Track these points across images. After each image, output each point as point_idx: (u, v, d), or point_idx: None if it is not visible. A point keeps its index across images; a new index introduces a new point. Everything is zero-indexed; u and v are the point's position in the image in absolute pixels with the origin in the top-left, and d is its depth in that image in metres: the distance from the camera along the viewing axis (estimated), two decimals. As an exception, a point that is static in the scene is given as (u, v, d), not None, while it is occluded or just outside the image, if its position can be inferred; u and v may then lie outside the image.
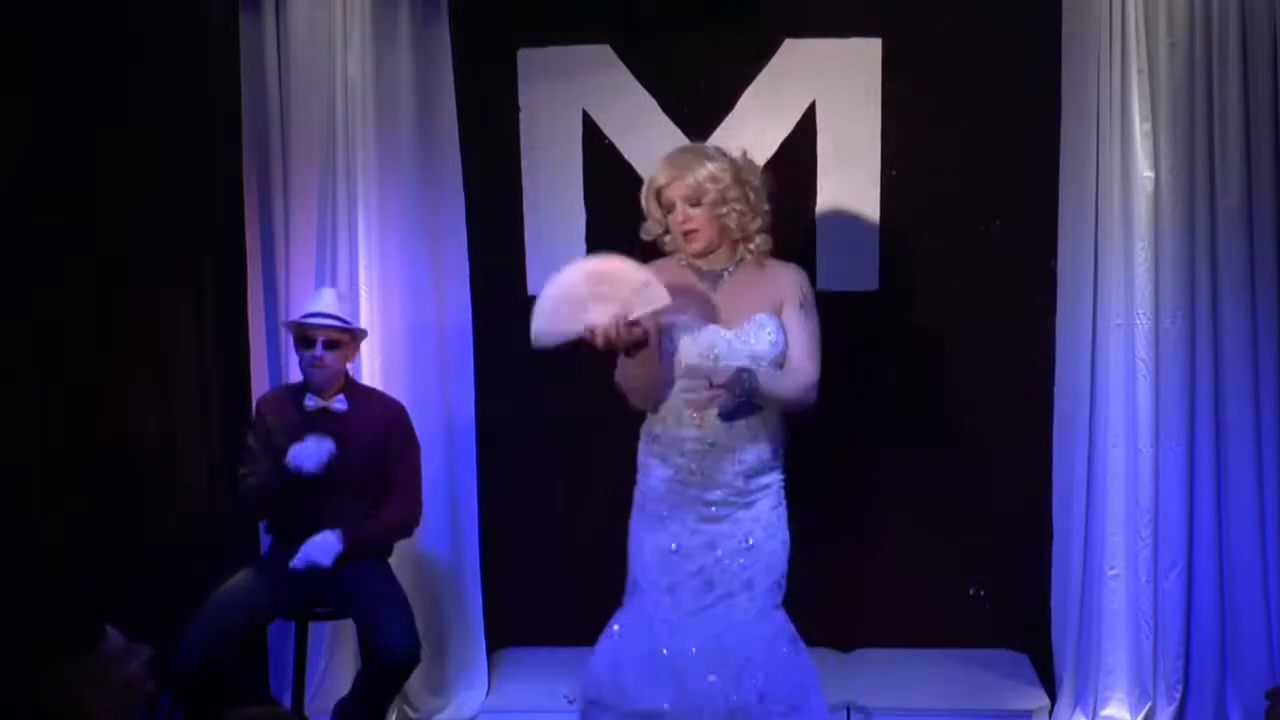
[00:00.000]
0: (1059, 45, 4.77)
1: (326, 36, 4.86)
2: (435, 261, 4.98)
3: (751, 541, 3.84)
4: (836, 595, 5.16)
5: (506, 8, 5.12)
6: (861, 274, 5.08)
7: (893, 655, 5.10)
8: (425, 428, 4.68)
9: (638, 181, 5.10)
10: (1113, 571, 4.69)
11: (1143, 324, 4.62)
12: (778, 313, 3.84)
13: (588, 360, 5.20)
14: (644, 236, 3.92)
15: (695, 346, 3.77)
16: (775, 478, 3.90)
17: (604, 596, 5.25)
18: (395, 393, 4.66)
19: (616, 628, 3.94)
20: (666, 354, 3.79)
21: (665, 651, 3.80)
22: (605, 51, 5.11)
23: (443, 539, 4.95)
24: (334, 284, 4.81)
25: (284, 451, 4.30)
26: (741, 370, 3.68)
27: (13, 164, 4.59)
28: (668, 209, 3.82)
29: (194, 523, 4.90)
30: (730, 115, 5.08)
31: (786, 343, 3.83)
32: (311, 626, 4.60)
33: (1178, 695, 4.66)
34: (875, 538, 5.16)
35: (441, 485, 4.90)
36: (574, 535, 5.26)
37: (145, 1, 4.81)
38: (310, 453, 4.25)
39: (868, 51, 5.02)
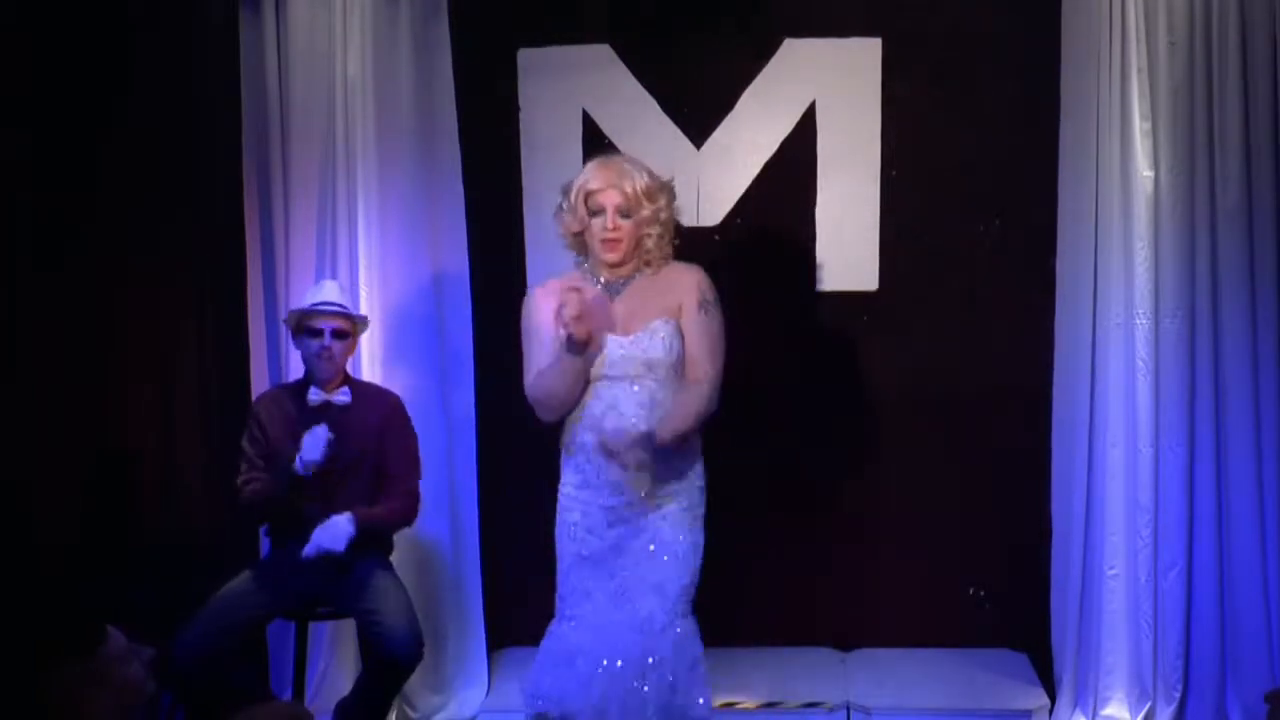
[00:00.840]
0: (1059, 45, 4.77)
1: (326, 36, 4.86)
2: (435, 261, 4.98)
3: (653, 547, 3.84)
4: (836, 595, 5.17)
5: (506, 8, 5.13)
6: (861, 274, 5.08)
7: (893, 655, 5.10)
8: (425, 427, 4.68)
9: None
10: (1113, 571, 4.69)
11: (1143, 324, 4.62)
12: (676, 316, 3.85)
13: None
14: (564, 234, 3.92)
15: (596, 355, 3.80)
16: (686, 484, 3.88)
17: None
18: (395, 391, 4.65)
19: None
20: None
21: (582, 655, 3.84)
22: (605, 51, 5.12)
23: (443, 539, 4.95)
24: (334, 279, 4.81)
25: (286, 455, 4.31)
26: (640, 437, 3.75)
27: (13, 164, 4.59)
28: (594, 212, 3.82)
29: (193, 523, 4.90)
30: (730, 115, 5.09)
31: (682, 346, 3.84)
32: (311, 626, 4.60)
33: (1178, 695, 4.66)
34: (875, 538, 5.16)
35: (441, 485, 4.90)
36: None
37: (145, 1, 4.81)
38: (312, 445, 4.26)
39: (868, 51, 5.03)
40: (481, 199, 5.08)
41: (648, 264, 3.88)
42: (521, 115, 5.17)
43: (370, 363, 4.87)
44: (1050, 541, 4.87)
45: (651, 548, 3.83)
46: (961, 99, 5.00)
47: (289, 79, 4.89)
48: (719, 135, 5.10)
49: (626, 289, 3.88)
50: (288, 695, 4.62)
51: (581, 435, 3.86)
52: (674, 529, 3.84)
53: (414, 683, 4.62)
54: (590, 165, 3.90)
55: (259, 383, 4.94)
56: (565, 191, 3.89)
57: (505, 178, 5.17)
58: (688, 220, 5.05)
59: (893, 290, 5.08)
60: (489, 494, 5.09)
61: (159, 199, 4.86)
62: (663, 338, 3.81)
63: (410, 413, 4.55)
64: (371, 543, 4.40)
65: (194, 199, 4.91)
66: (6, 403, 4.56)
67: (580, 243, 3.91)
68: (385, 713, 4.50)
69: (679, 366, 3.84)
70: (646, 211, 3.81)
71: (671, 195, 3.89)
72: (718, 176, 5.11)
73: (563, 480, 3.95)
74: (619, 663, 3.76)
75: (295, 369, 4.70)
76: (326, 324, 4.40)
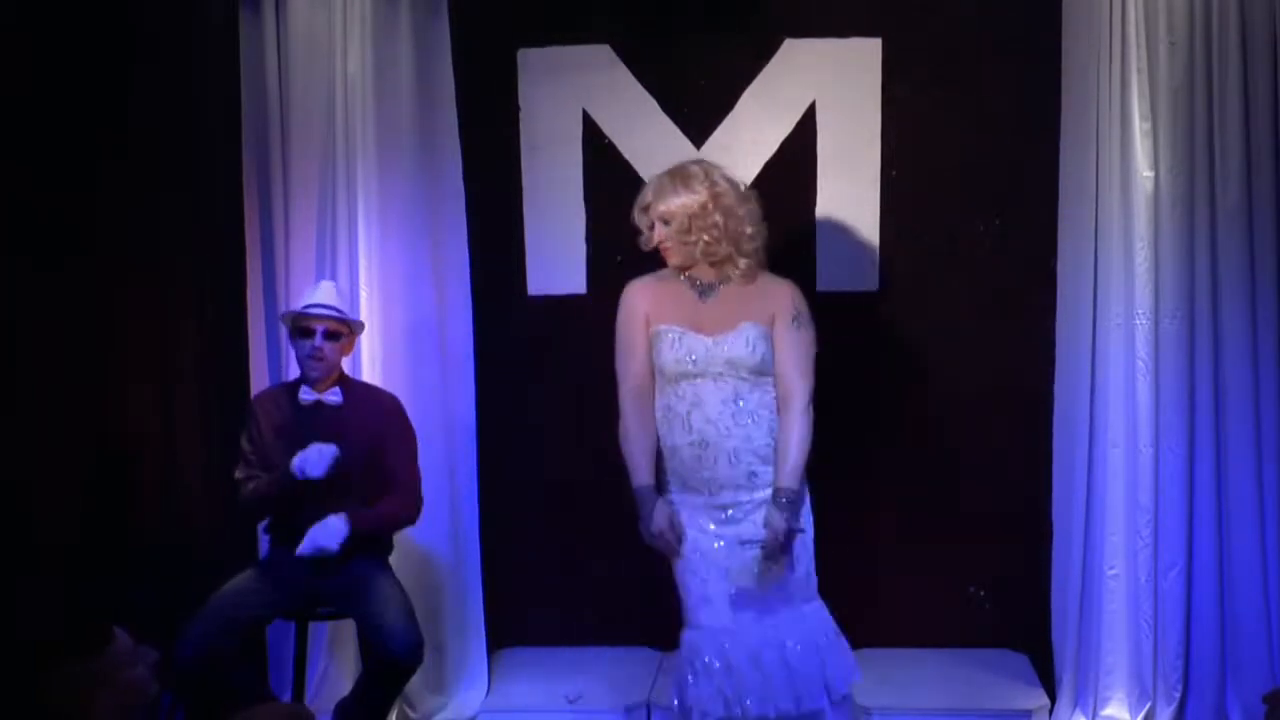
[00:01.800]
0: (1059, 45, 4.77)
1: (326, 36, 4.86)
2: (435, 261, 4.97)
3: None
4: (836, 595, 5.16)
5: (506, 8, 5.13)
6: (861, 274, 5.08)
7: (893, 655, 5.09)
8: (425, 427, 4.68)
9: (638, 181, 5.11)
10: (1113, 571, 4.69)
11: (1143, 324, 4.62)
12: (769, 325, 3.98)
13: (587, 361, 5.23)
14: (643, 248, 4.09)
15: (673, 352, 3.93)
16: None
17: (603, 597, 5.28)
18: (395, 392, 4.65)
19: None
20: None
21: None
22: (605, 51, 5.11)
23: (443, 539, 4.95)
24: (334, 281, 4.81)
25: (280, 452, 4.31)
26: (774, 497, 3.92)
27: (13, 164, 4.58)
28: (652, 224, 4.02)
29: (193, 523, 4.90)
30: (730, 115, 5.08)
31: (769, 351, 3.96)
32: (311, 626, 4.60)
33: (1178, 695, 4.66)
34: (875, 538, 5.16)
35: (441, 485, 4.90)
36: (574, 535, 5.26)
37: (145, 1, 4.81)
38: (316, 459, 4.26)
39: (868, 51, 5.03)
40: (481, 199, 5.08)
41: (733, 272, 3.99)
42: (521, 115, 5.17)
43: (370, 363, 4.86)
44: (1050, 541, 4.87)
45: (751, 534, 3.94)
46: (961, 99, 5.00)
47: (289, 79, 4.89)
48: (719, 135, 5.09)
49: (718, 292, 4.01)
50: (288, 695, 4.62)
51: (671, 439, 3.97)
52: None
53: (414, 683, 4.62)
54: (654, 178, 4.10)
55: (259, 382, 4.94)
56: (635, 212, 4.11)
57: (505, 178, 5.16)
58: (688, 220, 5.08)
59: (893, 290, 5.08)
60: (489, 494, 5.09)
61: (159, 199, 4.85)
62: (745, 336, 3.93)
63: (410, 413, 4.55)
64: (369, 543, 4.40)
65: (194, 199, 4.91)
66: (7, 403, 4.55)
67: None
68: (386, 713, 4.50)
69: (763, 368, 3.97)
70: (680, 222, 3.96)
71: (717, 198, 3.98)
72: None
73: (667, 485, 4.04)
74: (759, 658, 3.88)
75: (295, 369, 4.70)
76: (319, 325, 4.39)
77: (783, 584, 3.94)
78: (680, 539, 3.92)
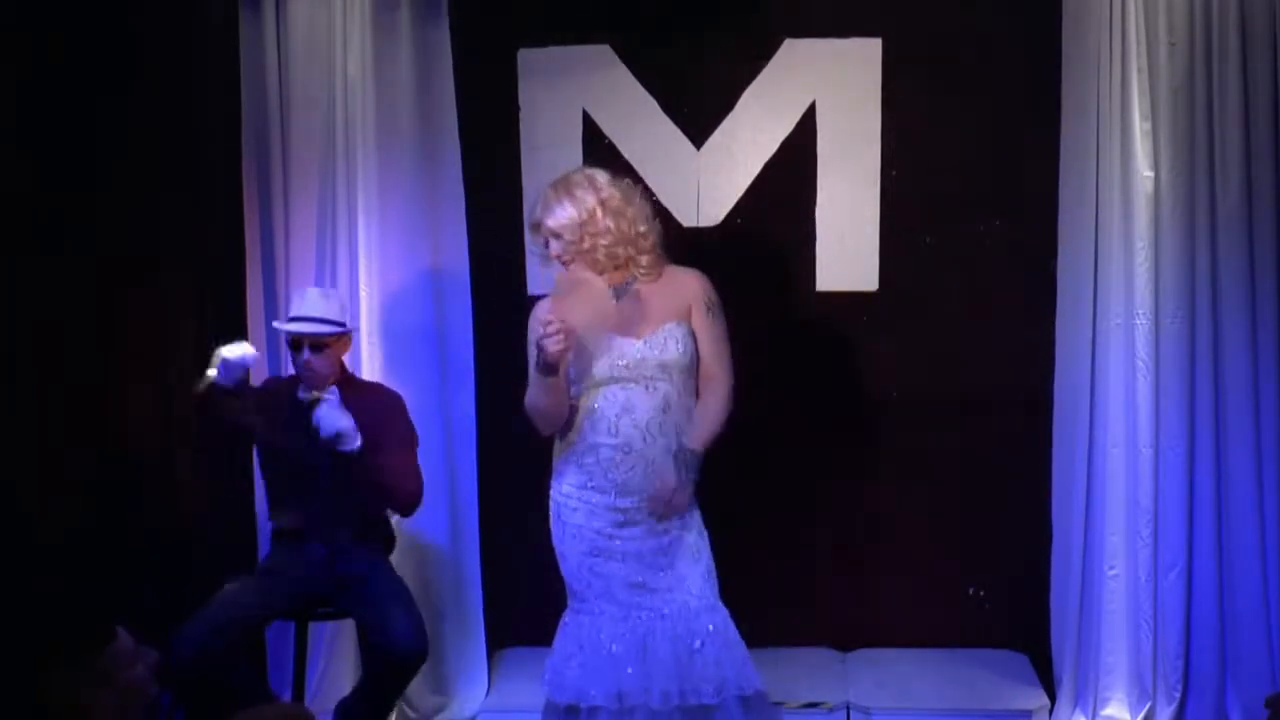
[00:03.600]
0: (1059, 45, 4.76)
1: (326, 36, 4.86)
2: (435, 261, 4.97)
3: (670, 542, 3.97)
4: (836, 595, 5.17)
5: (506, 8, 5.12)
6: (861, 274, 5.08)
7: (893, 655, 5.10)
8: (425, 428, 4.67)
9: (638, 181, 5.12)
10: (1113, 571, 4.69)
11: (1143, 324, 4.62)
12: (685, 319, 3.95)
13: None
14: (542, 265, 4.10)
15: (608, 358, 3.88)
16: None
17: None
18: (395, 391, 4.65)
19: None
20: (570, 374, 3.95)
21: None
22: (605, 51, 5.11)
23: (443, 539, 4.95)
24: (334, 284, 4.81)
25: (276, 443, 4.35)
26: (677, 454, 3.86)
27: (13, 164, 4.58)
28: (546, 241, 3.96)
29: (193, 523, 4.90)
30: (730, 115, 5.08)
31: (695, 348, 3.94)
32: (311, 626, 4.60)
33: (1178, 695, 4.66)
34: (875, 538, 5.16)
35: (441, 485, 4.90)
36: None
37: (145, 1, 4.81)
38: (327, 413, 4.26)
39: (868, 51, 5.03)
40: (481, 199, 5.08)
41: (623, 267, 3.94)
42: (521, 115, 5.16)
43: (370, 363, 4.87)
44: (1050, 541, 4.87)
45: (668, 543, 3.92)
46: (961, 99, 5.00)
47: (289, 79, 4.89)
48: (719, 135, 5.09)
49: (628, 292, 3.95)
50: (288, 695, 4.62)
51: (592, 437, 3.91)
52: (688, 522, 3.95)
53: (414, 683, 4.62)
54: (542, 193, 4.01)
55: (258, 383, 4.93)
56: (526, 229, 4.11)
57: (505, 178, 5.16)
58: (687, 220, 5.08)
59: (893, 290, 5.08)
60: (489, 494, 5.09)
61: (159, 199, 4.85)
62: (678, 340, 3.90)
63: (411, 413, 4.54)
64: (371, 538, 4.40)
65: (194, 199, 4.91)
66: (7, 402, 4.55)
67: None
68: (388, 713, 4.50)
69: (692, 368, 3.94)
70: (569, 235, 3.90)
71: (603, 203, 3.91)
72: (718, 176, 5.11)
73: (560, 480, 4.01)
74: (658, 649, 3.86)
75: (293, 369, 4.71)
76: (304, 340, 4.38)
77: (679, 577, 3.92)
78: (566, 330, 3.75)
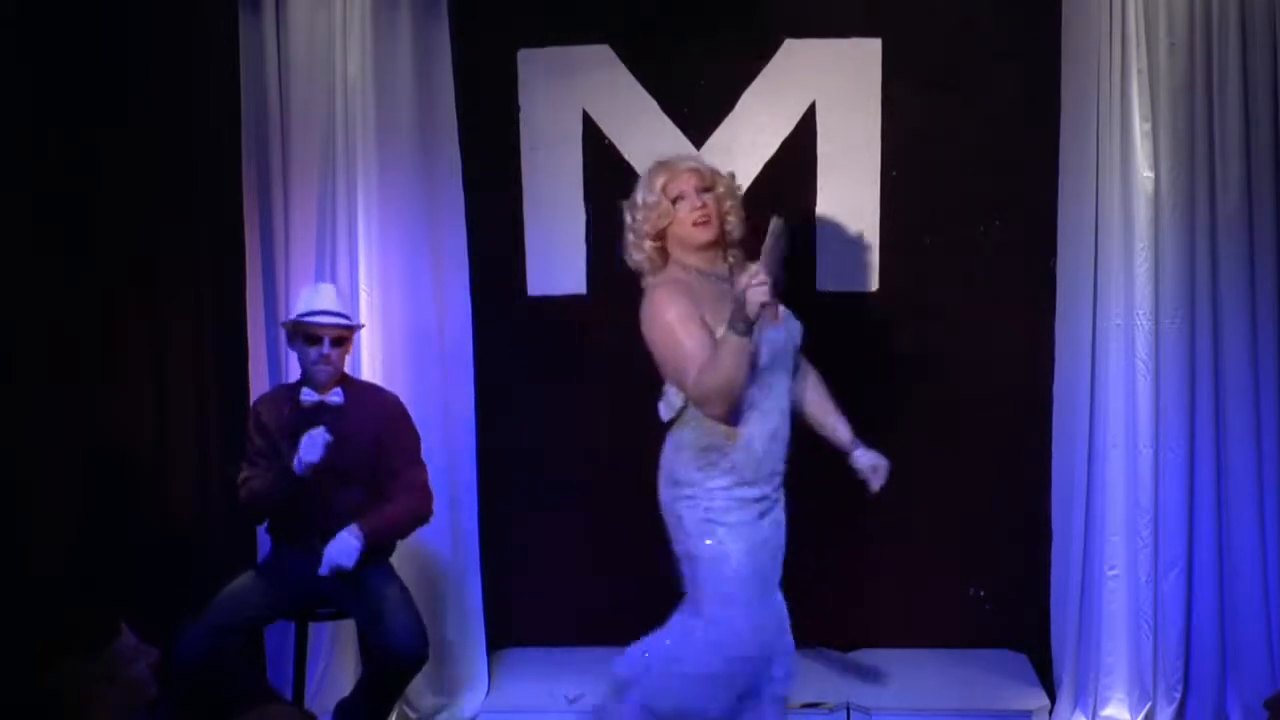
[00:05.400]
0: (1059, 45, 4.77)
1: (326, 36, 4.86)
2: (435, 261, 4.97)
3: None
4: (836, 595, 5.17)
5: (506, 8, 5.13)
6: (861, 274, 5.09)
7: (893, 655, 5.09)
8: (425, 428, 4.67)
9: (638, 181, 5.13)
10: (1113, 571, 4.69)
11: (1143, 324, 4.62)
12: None
13: (587, 361, 5.24)
14: (628, 259, 3.92)
15: (767, 346, 3.78)
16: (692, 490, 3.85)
17: (603, 597, 5.28)
18: (395, 391, 4.64)
19: None
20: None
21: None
22: (605, 51, 5.12)
23: (443, 539, 4.95)
24: (334, 282, 4.81)
25: (284, 454, 4.30)
26: (876, 457, 4.00)
27: (13, 164, 4.59)
28: (675, 200, 3.82)
29: (193, 524, 4.90)
30: (730, 115, 5.09)
31: None
32: (311, 626, 4.60)
33: (1178, 695, 4.66)
34: (875, 538, 5.16)
35: (441, 485, 4.88)
36: (574, 535, 5.26)
37: (145, 2, 4.81)
38: (309, 446, 4.25)
39: (868, 51, 5.03)
40: (481, 199, 5.08)
41: (730, 258, 3.91)
42: (521, 115, 5.17)
43: (370, 363, 4.86)
44: (1050, 541, 4.87)
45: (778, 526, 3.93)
46: (961, 99, 5.00)
47: (289, 79, 4.89)
48: (719, 135, 5.09)
49: (725, 284, 3.81)
50: (288, 695, 4.62)
51: (747, 429, 3.77)
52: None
53: (414, 683, 4.62)
54: (651, 168, 3.92)
55: (258, 383, 4.94)
56: (633, 205, 3.89)
57: (505, 178, 5.16)
58: (688, 220, 5.08)
59: (893, 290, 5.08)
60: (489, 494, 5.09)
61: (159, 199, 4.86)
62: (792, 321, 3.90)
63: (410, 413, 4.54)
64: (387, 545, 4.40)
65: (194, 199, 4.91)
66: (7, 402, 4.56)
67: (657, 254, 3.88)
68: (388, 714, 4.50)
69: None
70: (722, 187, 3.87)
71: (727, 178, 3.94)
72: (717, 177, 5.11)
73: (706, 480, 3.81)
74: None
75: (294, 369, 4.70)
76: (326, 334, 4.39)
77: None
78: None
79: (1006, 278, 5.04)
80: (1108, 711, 4.70)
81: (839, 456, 5.10)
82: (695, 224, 3.82)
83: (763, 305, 3.56)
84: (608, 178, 5.11)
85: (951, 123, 5.03)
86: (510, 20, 5.13)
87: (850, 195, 5.06)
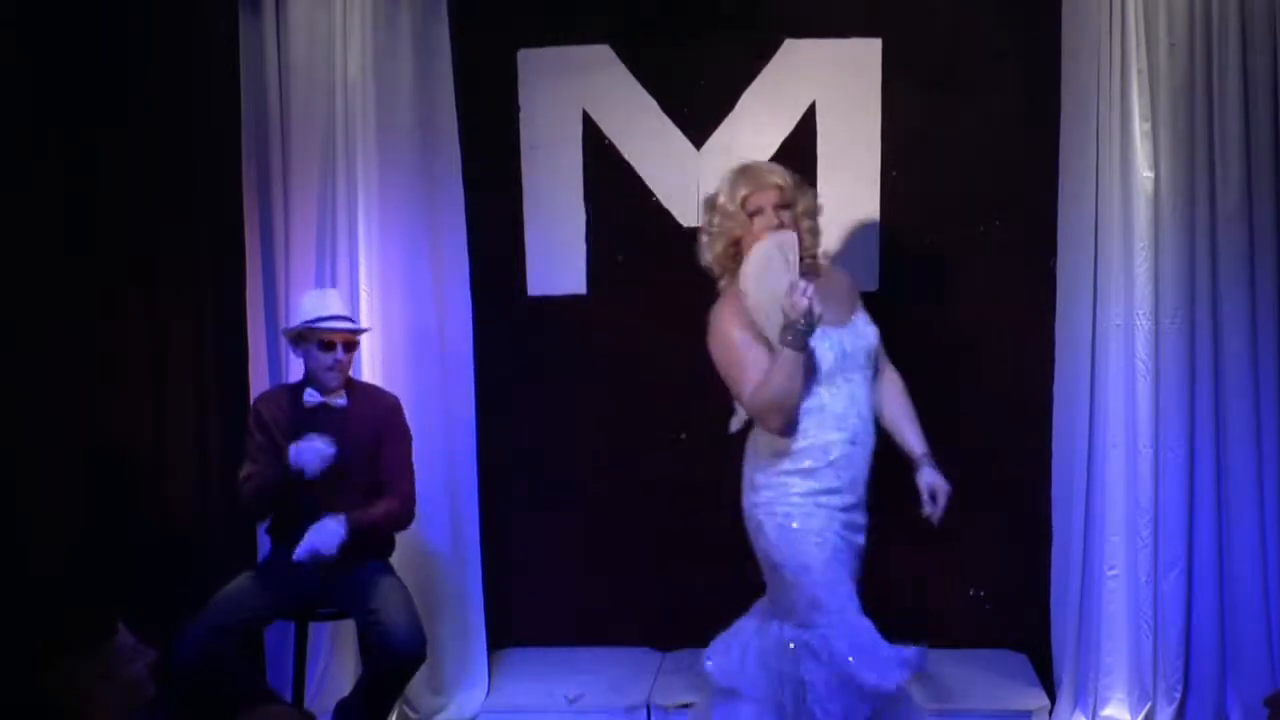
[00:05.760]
0: (1059, 45, 4.76)
1: (326, 36, 4.86)
2: (435, 262, 4.97)
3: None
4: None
5: (506, 8, 5.13)
6: (861, 274, 5.07)
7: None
8: (425, 427, 4.68)
9: (638, 181, 5.14)
10: (1113, 571, 4.69)
11: (1143, 324, 4.62)
12: (857, 310, 3.97)
13: (587, 361, 5.24)
14: (700, 258, 3.94)
15: (823, 349, 3.78)
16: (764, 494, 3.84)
17: (603, 597, 5.28)
18: (396, 392, 4.65)
19: None
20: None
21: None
22: (605, 51, 5.12)
23: (443, 539, 4.95)
24: (334, 284, 4.81)
25: (284, 452, 4.31)
26: (937, 480, 3.95)
27: (12, 164, 4.59)
28: (752, 214, 3.84)
29: (193, 524, 4.90)
30: (730, 115, 5.09)
31: None
32: (311, 626, 4.60)
33: (1178, 695, 4.65)
34: (875, 538, 5.14)
35: (441, 485, 4.90)
36: (574, 535, 5.26)
37: (145, 2, 4.81)
38: (312, 454, 4.26)
39: (868, 51, 5.03)
40: (481, 199, 5.08)
41: (813, 263, 3.92)
42: (521, 115, 5.17)
43: (370, 363, 4.86)
44: (1050, 542, 4.86)
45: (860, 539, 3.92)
46: (961, 99, 5.00)
47: (289, 79, 4.89)
48: (719, 135, 5.10)
49: (810, 289, 3.71)
50: (288, 695, 4.62)
51: (820, 435, 3.77)
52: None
53: (414, 683, 4.62)
54: (731, 174, 3.93)
55: (258, 383, 4.94)
56: (711, 207, 3.91)
57: (505, 178, 5.17)
58: (687, 220, 5.09)
59: (893, 290, 5.08)
60: (489, 494, 5.09)
61: (159, 199, 4.86)
62: (865, 325, 3.92)
63: (410, 414, 4.55)
64: (368, 544, 4.40)
65: (194, 199, 4.91)
66: (7, 402, 4.56)
67: (729, 260, 3.89)
68: (388, 713, 4.50)
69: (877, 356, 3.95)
70: (802, 205, 3.89)
71: (805, 189, 3.96)
72: (718, 177, 5.08)
73: (783, 488, 3.80)
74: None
75: (294, 370, 4.70)
76: (340, 339, 4.40)
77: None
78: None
79: (1006, 278, 5.04)
80: (1108, 711, 4.70)
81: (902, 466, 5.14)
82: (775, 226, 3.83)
83: (810, 315, 3.61)
84: (608, 178, 5.12)
85: (951, 123, 5.03)
86: (510, 20, 5.13)
87: (850, 195, 5.06)
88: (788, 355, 3.65)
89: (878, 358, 3.96)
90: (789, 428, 3.75)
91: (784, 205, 3.84)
